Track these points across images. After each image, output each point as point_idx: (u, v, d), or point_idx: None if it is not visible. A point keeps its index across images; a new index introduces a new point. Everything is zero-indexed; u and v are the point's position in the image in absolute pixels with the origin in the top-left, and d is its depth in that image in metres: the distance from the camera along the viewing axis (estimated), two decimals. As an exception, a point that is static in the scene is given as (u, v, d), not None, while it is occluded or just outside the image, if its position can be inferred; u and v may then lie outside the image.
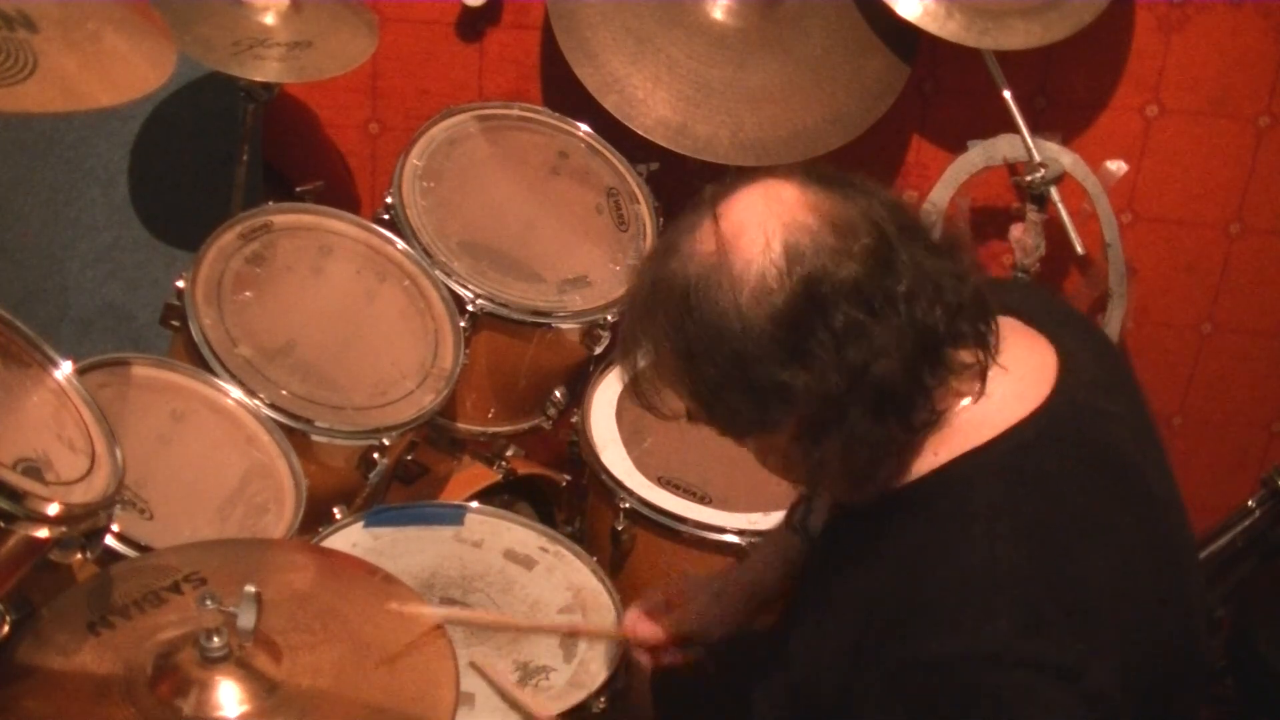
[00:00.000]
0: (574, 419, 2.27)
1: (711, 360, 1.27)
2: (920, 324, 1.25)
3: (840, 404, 1.25)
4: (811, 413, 1.27)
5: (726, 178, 1.34)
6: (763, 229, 1.25)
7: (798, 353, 1.24)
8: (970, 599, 1.23)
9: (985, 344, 1.31)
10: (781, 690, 1.44)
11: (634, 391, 1.46)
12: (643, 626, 1.73)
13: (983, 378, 1.30)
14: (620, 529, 2.08)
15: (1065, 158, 2.49)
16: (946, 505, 1.29)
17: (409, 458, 2.13)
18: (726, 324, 1.25)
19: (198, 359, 1.96)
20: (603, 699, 1.78)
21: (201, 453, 1.93)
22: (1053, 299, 1.60)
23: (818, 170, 1.32)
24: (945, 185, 2.53)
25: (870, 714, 1.26)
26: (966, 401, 1.31)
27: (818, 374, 1.24)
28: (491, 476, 2.29)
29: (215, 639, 1.40)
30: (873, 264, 1.24)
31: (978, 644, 1.21)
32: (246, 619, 1.39)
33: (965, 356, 1.30)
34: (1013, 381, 1.32)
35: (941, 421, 1.30)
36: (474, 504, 2.10)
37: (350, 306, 2.16)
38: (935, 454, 1.31)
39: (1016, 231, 2.49)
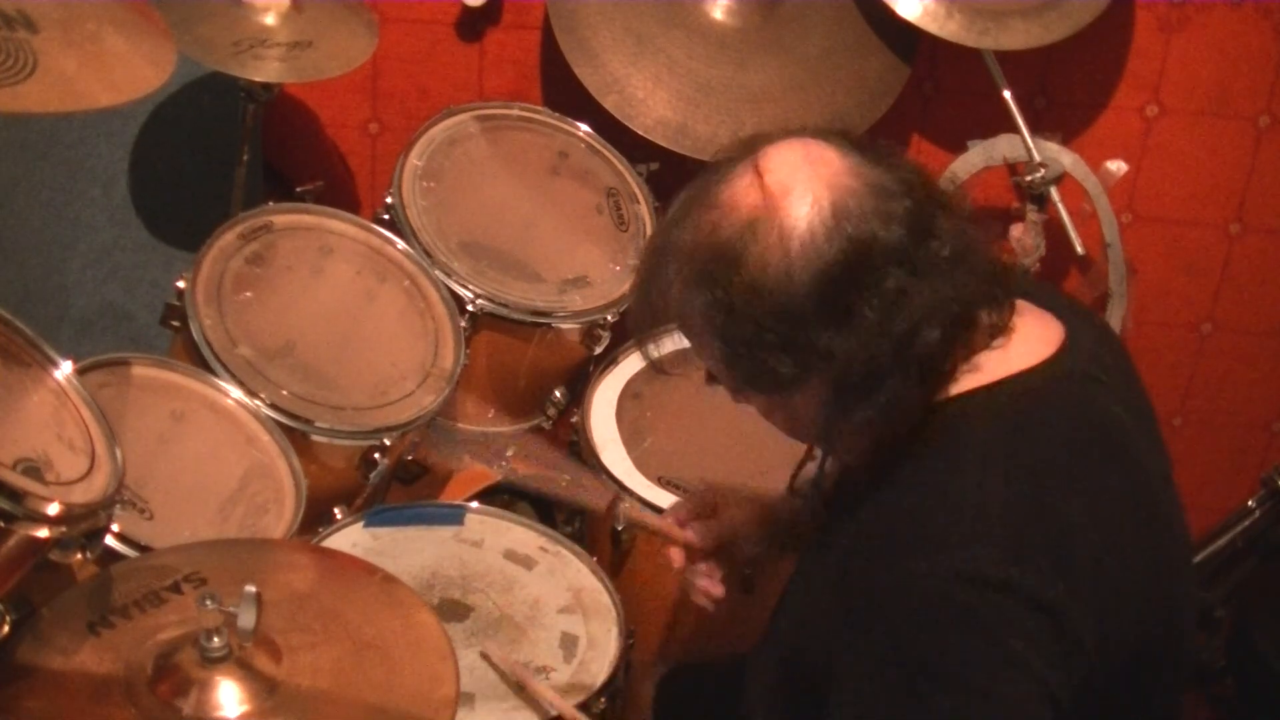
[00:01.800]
0: (574, 419, 2.27)
1: (749, 316, 1.27)
2: (961, 290, 1.27)
3: (881, 371, 1.25)
4: (849, 377, 1.27)
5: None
6: (810, 188, 1.25)
7: (842, 314, 1.24)
8: (957, 525, 1.23)
9: (1009, 306, 1.33)
10: (773, 660, 1.44)
11: (648, 358, 1.46)
12: (694, 527, 1.68)
13: (995, 335, 1.32)
14: (620, 529, 2.08)
15: (1065, 158, 2.49)
16: (941, 441, 1.30)
17: (409, 458, 2.13)
18: (770, 279, 1.25)
19: (198, 359, 1.96)
20: (603, 699, 1.78)
21: (201, 453, 1.93)
22: (1056, 291, 1.62)
23: (851, 136, 1.32)
24: (945, 185, 2.53)
25: (851, 641, 1.25)
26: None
27: (862, 338, 1.24)
28: (491, 476, 2.29)
29: (215, 639, 1.40)
30: (915, 228, 1.25)
31: (960, 564, 1.21)
32: (246, 619, 1.39)
33: (990, 317, 1.32)
34: (1018, 341, 1.34)
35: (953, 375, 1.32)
36: (474, 504, 2.10)
37: (350, 307, 2.16)
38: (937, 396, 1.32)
39: (1016, 231, 2.49)
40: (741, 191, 1.28)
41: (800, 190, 1.25)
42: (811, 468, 1.47)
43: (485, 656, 1.77)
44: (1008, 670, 1.19)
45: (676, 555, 1.70)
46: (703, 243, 1.29)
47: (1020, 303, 1.37)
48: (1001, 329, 1.32)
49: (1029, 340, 1.34)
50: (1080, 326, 1.41)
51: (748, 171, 1.29)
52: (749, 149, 1.32)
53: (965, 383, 1.31)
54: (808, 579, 1.42)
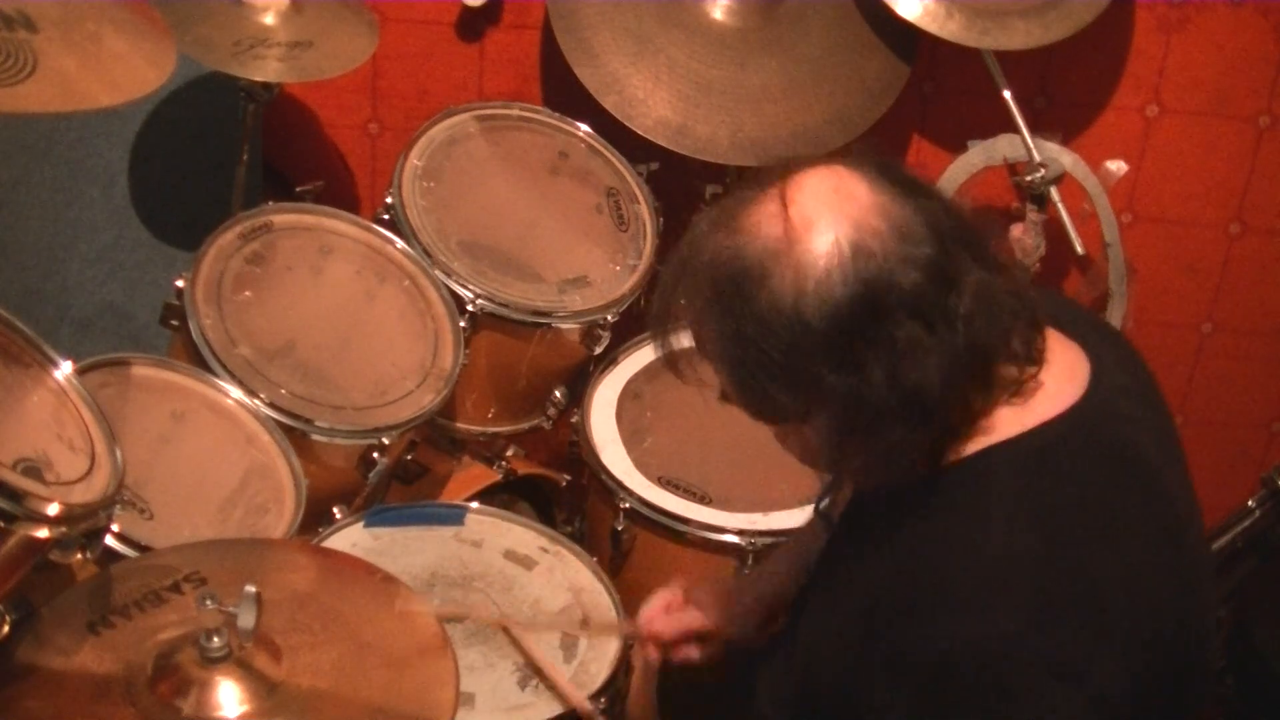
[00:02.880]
0: (574, 419, 2.27)
1: (759, 346, 1.25)
2: (976, 345, 1.24)
3: (883, 416, 1.24)
4: (851, 418, 1.26)
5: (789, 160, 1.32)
6: (832, 225, 1.23)
7: (850, 358, 1.23)
8: (983, 587, 1.23)
9: (1033, 360, 1.30)
10: (785, 676, 1.44)
11: (669, 365, 1.44)
12: (659, 622, 1.70)
13: (1023, 387, 1.30)
14: (620, 529, 2.08)
15: (1065, 158, 2.49)
16: (967, 494, 1.28)
17: (409, 458, 2.13)
18: (782, 314, 1.23)
19: (198, 359, 1.96)
20: (603, 699, 1.78)
21: (201, 453, 1.93)
22: (1082, 309, 1.60)
23: (886, 166, 1.29)
24: (945, 185, 2.53)
25: (875, 696, 1.25)
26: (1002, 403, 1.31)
27: (866, 383, 1.23)
28: (491, 476, 2.29)
29: (215, 639, 1.40)
30: (935, 277, 1.23)
31: (987, 633, 1.21)
32: (246, 619, 1.39)
33: (1012, 371, 1.30)
34: (1046, 382, 1.32)
35: (978, 426, 1.30)
36: (474, 504, 2.10)
37: (350, 306, 2.16)
38: (963, 447, 1.30)
39: (1016, 231, 2.49)
40: (765, 219, 1.26)
41: (822, 226, 1.23)
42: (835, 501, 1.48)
43: (505, 630, 1.78)
44: None
45: (651, 652, 1.71)
46: (721, 266, 1.27)
47: (1047, 338, 1.34)
48: (1025, 382, 1.30)
49: (1056, 381, 1.32)
50: (1104, 351, 1.39)
51: (774, 199, 1.27)
52: (783, 172, 1.29)
53: (993, 435, 1.29)
54: (829, 612, 1.40)
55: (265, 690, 1.41)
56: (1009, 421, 1.30)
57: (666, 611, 1.71)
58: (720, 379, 1.35)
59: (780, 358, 1.25)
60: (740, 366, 1.29)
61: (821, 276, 1.22)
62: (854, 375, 1.23)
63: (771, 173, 1.30)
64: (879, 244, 1.22)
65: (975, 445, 1.30)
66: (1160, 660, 1.27)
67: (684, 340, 1.42)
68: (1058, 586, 1.23)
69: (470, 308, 2.17)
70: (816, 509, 1.59)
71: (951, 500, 1.29)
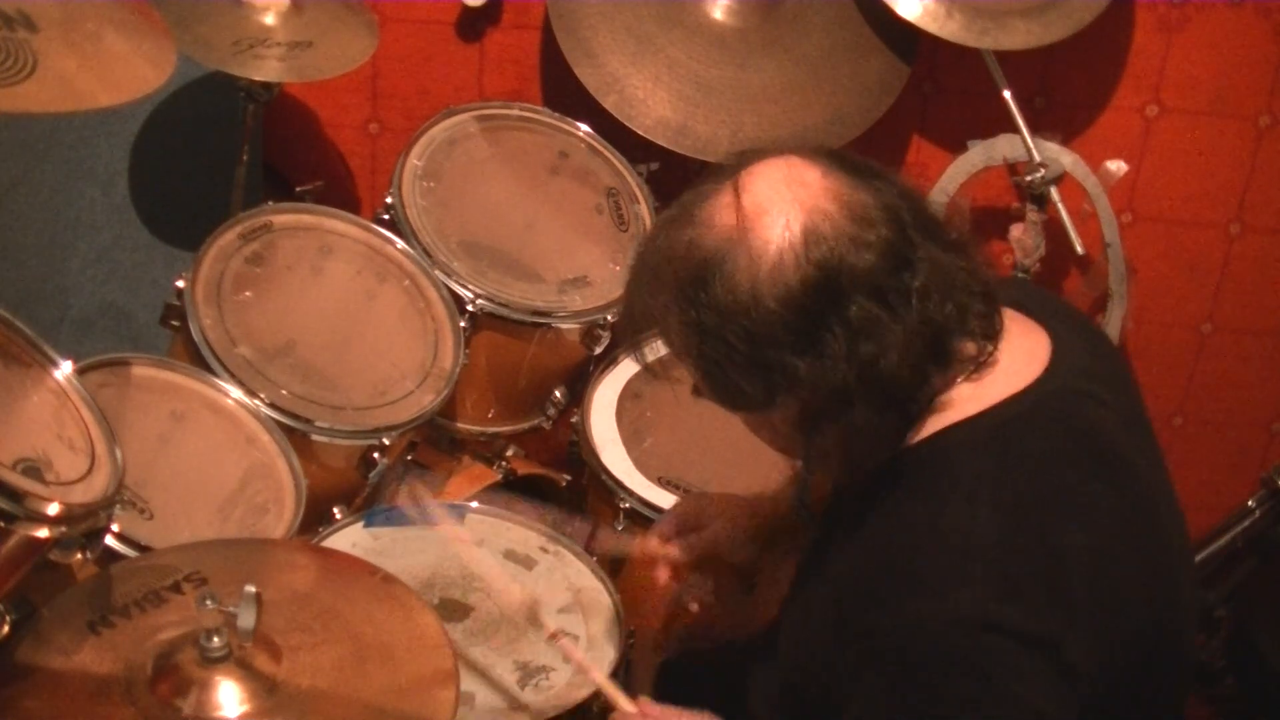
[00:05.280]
0: (574, 419, 2.27)
1: (720, 335, 1.27)
2: (932, 321, 1.26)
3: (846, 396, 1.26)
4: (815, 400, 1.27)
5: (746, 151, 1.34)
6: (784, 211, 1.25)
7: (808, 339, 1.25)
8: (947, 564, 1.24)
9: (991, 337, 1.32)
10: (772, 673, 1.44)
11: (644, 366, 1.46)
12: (671, 546, 1.70)
13: (981, 365, 1.32)
14: (620, 529, 2.08)
15: (1065, 158, 2.49)
16: (930, 475, 1.30)
17: (409, 458, 2.13)
18: (739, 301, 1.25)
19: (198, 359, 1.96)
20: (603, 698, 1.78)
21: (201, 453, 1.93)
22: (1051, 296, 1.61)
23: (840, 155, 1.32)
24: (945, 185, 2.53)
25: (851, 685, 1.26)
26: (960, 380, 1.32)
27: (827, 363, 1.24)
28: (491, 476, 2.29)
29: (215, 639, 1.40)
30: (889, 256, 1.25)
31: (953, 608, 1.22)
32: (246, 619, 1.39)
33: (969, 348, 1.31)
34: (1005, 361, 1.33)
35: (936, 404, 1.31)
36: (474, 504, 2.10)
37: (350, 306, 2.16)
38: (922, 426, 1.32)
39: (1016, 231, 2.49)
40: (719, 210, 1.29)
41: (774, 213, 1.25)
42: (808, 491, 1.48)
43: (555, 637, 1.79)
44: (1006, 710, 1.20)
45: (662, 574, 1.72)
46: (678, 260, 1.30)
47: (1008, 317, 1.36)
48: (986, 360, 1.32)
49: (1015, 362, 1.34)
50: (1069, 336, 1.40)
51: (727, 190, 1.29)
52: (736, 164, 1.32)
53: (952, 414, 1.31)
54: (805, 604, 1.42)
55: (265, 690, 1.41)
56: (967, 400, 1.31)
57: (680, 533, 1.70)
58: (689, 372, 1.37)
59: (741, 344, 1.27)
60: (704, 357, 1.31)
61: (775, 261, 1.24)
62: (814, 357, 1.25)
63: (726, 167, 1.33)
64: (830, 227, 1.24)
65: (934, 424, 1.32)
66: (1129, 633, 1.28)
67: (657, 341, 1.43)
68: (1021, 566, 1.24)
69: (470, 308, 2.18)
70: (793, 502, 1.59)
71: (912, 482, 1.30)
